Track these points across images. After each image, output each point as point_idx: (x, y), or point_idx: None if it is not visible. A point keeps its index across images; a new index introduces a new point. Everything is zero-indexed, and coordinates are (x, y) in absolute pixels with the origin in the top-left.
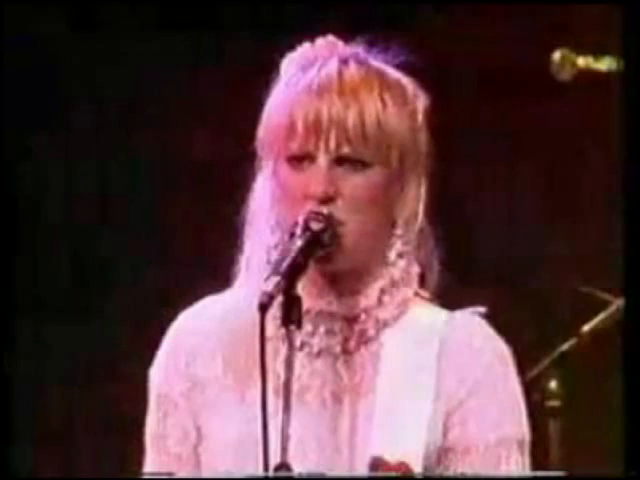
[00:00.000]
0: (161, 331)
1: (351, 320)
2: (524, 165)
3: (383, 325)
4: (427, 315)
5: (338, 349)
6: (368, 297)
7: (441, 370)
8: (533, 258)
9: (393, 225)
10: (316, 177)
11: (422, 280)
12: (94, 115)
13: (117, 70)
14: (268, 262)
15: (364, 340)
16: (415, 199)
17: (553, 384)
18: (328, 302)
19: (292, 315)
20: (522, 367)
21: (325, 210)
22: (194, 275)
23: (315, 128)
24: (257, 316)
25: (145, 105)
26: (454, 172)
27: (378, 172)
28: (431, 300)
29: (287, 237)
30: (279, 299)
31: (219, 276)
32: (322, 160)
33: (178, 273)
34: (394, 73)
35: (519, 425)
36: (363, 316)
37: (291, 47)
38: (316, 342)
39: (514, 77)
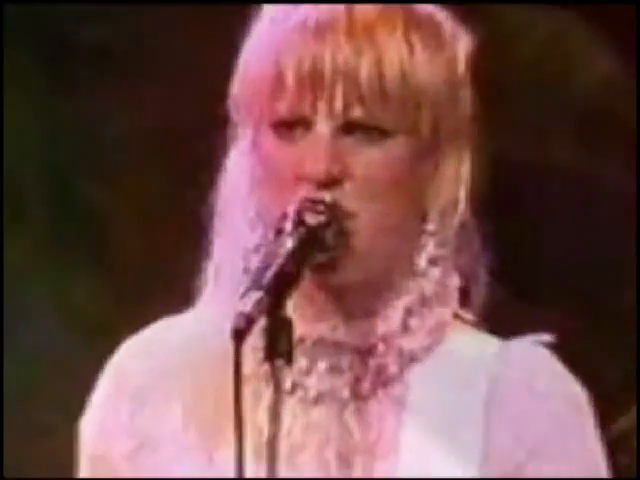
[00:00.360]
0: (95, 368)
1: (364, 352)
2: (606, 135)
3: (410, 359)
4: (471, 345)
5: (346, 393)
6: (388, 320)
7: (491, 422)
8: (616, 267)
9: (424, 218)
10: (314, 150)
11: (464, 296)
12: None
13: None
14: (246, 271)
15: (383, 380)
16: (454, 181)
17: None
18: (332, 327)
19: (279, 345)
20: (604, 418)
21: (327, 197)
22: (141, 289)
23: (313, 81)
24: (230, 347)
25: (70, 50)
26: (509, 144)
27: (402, 144)
28: (477, 324)
29: (273, 235)
30: (261, 323)
31: (176, 290)
32: (323, 127)
33: (118, 286)
34: (425, 5)
35: None
36: (381, 347)
37: None
38: (313, 383)
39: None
